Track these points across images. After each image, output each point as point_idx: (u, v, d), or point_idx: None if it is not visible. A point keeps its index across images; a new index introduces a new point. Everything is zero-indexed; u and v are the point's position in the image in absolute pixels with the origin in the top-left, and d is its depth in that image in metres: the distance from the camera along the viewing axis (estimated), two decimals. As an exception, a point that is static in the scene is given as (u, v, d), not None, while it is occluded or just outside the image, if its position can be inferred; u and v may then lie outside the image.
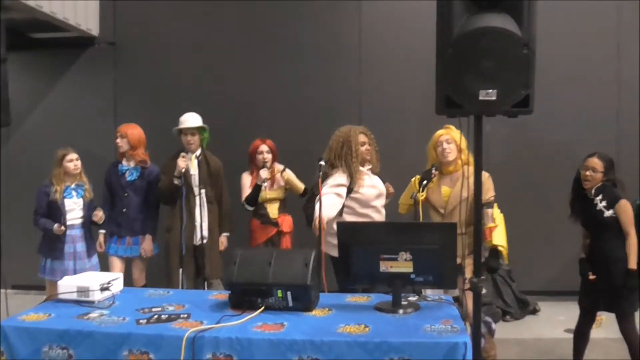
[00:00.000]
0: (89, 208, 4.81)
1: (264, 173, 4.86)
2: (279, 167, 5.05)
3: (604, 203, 3.91)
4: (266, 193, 4.93)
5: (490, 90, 2.40)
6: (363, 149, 4.29)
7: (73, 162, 4.75)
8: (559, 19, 6.12)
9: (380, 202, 4.32)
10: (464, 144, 3.94)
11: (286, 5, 6.50)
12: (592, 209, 3.96)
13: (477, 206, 2.75)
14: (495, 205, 4.09)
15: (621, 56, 6.26)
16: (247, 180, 5.03)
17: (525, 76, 2.40)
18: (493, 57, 2.37)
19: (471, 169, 2.87)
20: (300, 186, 5.04)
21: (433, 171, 4.08)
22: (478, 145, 2.64)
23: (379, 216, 4.29)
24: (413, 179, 4.16)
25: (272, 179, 4.99)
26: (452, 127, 4.09)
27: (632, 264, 3.83)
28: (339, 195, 4.10)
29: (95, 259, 4.90)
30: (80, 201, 4.77)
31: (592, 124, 6.21)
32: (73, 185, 4.77)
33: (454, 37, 2.40)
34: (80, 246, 4.76)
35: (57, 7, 5.85)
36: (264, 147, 4.97)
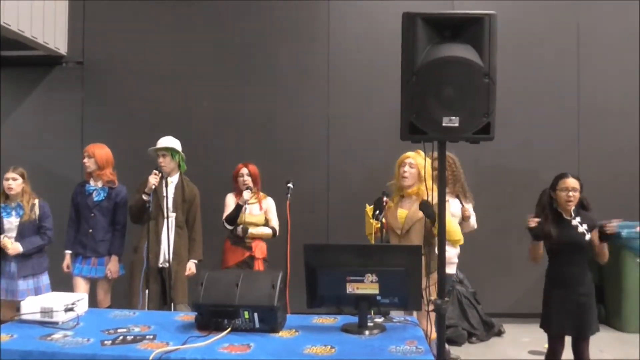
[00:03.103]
0: (29, 229, 4.73)
1: (247, 195, 4.90)
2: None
3: (585, 226, 3.90)
4: (246, 216, 4.96)
5: (453, 117, 2.49)
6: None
7: (8, 181, 4.70)
8: (518, 47, 6.33)
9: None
10: (428, 173, 3.94)
11: (256, 30, 6.59)
12: (572, 231, 3.93)
13: (442, 229, 2.81)
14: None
15: (580, 81, 6.48)
16: (230, 201, 5.07)
17: (486, 104, 2.50)
18: (455, 85, 2.47)
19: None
20: (268, 232, 5.05)
21: (384, 199, 4.14)
22: (441, 169, 2.72)
23: None
24: (366, 210, 4.22)
25: (259, 204, 5.07)
26: (421, 153, 4.11)
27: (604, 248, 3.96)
28: None
29: (33, 282, 4.75)
30: (17, 221, 4.71)
31: (554, 150, 6.39)
32: (13, 204, 4.73)
33: (417, 66, 2.50)
34: (13, 267, 4.68)
35: (25, 25, 5.83)
36: (244, 170, 5.04)
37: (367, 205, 4.26)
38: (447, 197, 4.40)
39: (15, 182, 4.71)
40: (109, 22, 6.68)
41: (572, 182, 3.96)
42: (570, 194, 3.94)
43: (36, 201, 4.79)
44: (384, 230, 4.19)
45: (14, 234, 4.70)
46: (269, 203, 5.14)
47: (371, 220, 4.13)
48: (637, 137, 6.41)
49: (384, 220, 4.12)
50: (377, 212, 4.10)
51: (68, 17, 6.70)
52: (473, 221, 4.73)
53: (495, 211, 6.34)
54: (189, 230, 4.93)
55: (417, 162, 4.14)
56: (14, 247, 4.62)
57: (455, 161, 4.74)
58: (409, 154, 4.21)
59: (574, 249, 3.94)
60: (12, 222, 4.71)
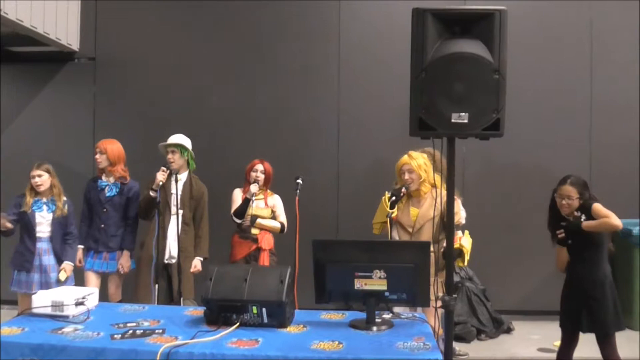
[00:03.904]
0: (60, 224, 4.76)
1: (254, 188, 4.97)
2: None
3: (584, 217, 3.87)
4: (253, 209, 4.99)
5: (462, 114, 2.48)
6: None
7: (35, 178, 4.71)
8: (531, 43, 6.29)
9: None
10: (429, 168, 4.18)
11: (267, 26, 6.58)
12: (576, 232, 3.91)
13: (450, 226, 2.81)
14: (467, 232, 4.24)
15: (593, 77, 6.42)
16: (238, 196, 5.12)
17: (495, 100, 2.49)
18: (465, 81, 2.46)
19: (441, 190, 2.96)
20: (277, 225, 5.09)
21: (403, 190, 4.23)
22: (451, 165, 2.71)
23: None
24: (383, 197, 4.26)
25: (265, 200, 5.10)
26: (413, 155, 4.30)
27: (586, 223, 3.81)
28: None
29: (52, 276, 4.78)
30: (50, 216, 4.73)
31: (565, 146, 6.35)
32: (44, 200, 4.75)
33: (427, 62, 2.48)
34: (47, 259, 4.72)
35: (38, 21, 5.86)
36: (259, 167, 5.09)
37: (386, 192, 4.29)
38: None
39: (41, 179, 4.72)
40: (121, 18, 6.69)
41: (566, 190, 3.94)
42: (564, 202, 3.95)
43: (64, 198, 4.81)
44: (390, 226, 4.24)
45: (46, 227, 4.73)
46: (276, 200, 5.18)
47: (387, 208, 4.16)
48: (649, 134, 6.36)
49: (393, 214, 4.16)
50: (394, 198, 4.16)
51: (80, 13, 6.71)
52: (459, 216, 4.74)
53: (506, 208, 6.32)
54: (195, 227, 4.97)
55: (413, 165, 4.24)
56: (68, 273, 4.76)
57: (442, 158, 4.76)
58: (404, 159, 4.32)
59: (581, 244, 3.92)
60: (44, 216, 4.72)
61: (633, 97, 6.37)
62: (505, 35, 2.48)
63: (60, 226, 4.78)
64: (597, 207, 3.86)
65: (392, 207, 4.18)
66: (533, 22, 6.34)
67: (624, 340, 5.42)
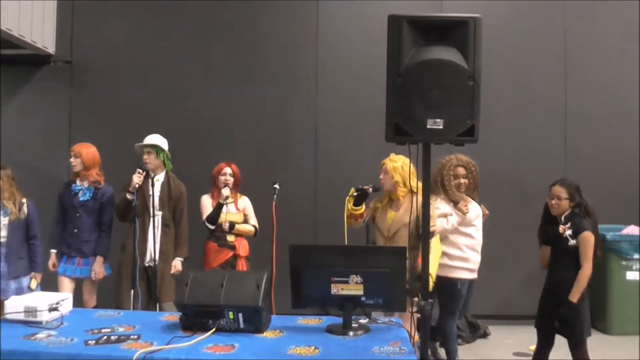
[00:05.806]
0: (20, 228, 4.62)
1: (225, 191, 4.93)
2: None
3: (569, 232, 3.98)
4: (226, 215, 4.95)
5: (438, 120, 2.50)
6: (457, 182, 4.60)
7: None
8: (505, 51, 6.37)
9: (479, 222, 4.64)
10: (405, 173, 4.17)
11: (245, 30, 6.58)
12: (555, 235, 4.05)
13: (425, 232, 2.83)
14: (437, 236, 4.25)
15: (567, 86, 6.52)
16: (207, 202, 5.07)
17: (470, 106, 2.52)
18: (440, 87, 2.49)
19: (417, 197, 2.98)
20: (251, 229, 5.09)
21: (366, 187, 4.24)
22: (426, 172, 2.73)
23: (479, 233, 4.63)
24: (350, 192, 4.28)
25: (235, 204, 5.08)
26: (393, 157, 4.33)
27: (574, 296, 3.89)
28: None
29: (24, 281, 4.67)
30: (6, 220, 4.60)
31: (540, 154, 6.43)
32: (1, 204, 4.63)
33: (403, 68, 2.51)
34: (3, 266, 4.59)
35: (13, 24, 5.79)
36: (227, 170, 5.05)
37: (352, 189, 4.31)
38: (439, 202, 4.51)
39: None
40: (98, 21, 6.64)
41: (555, 190, 4.10)
42: (553, 201, 4.09)
43: (24, 200, 4.69)
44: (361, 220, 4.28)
45: (4, 233, 4.59)
46: (246, 202, 5.16)
47: (348, 204, 4.21)
48: (622, 142, 6.46)
49: (358, 212, 4.19)
50: (357, 194, 4.20)
51: (56, 16, 6.65)
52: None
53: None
54: (175, 227, 4.93)
55: (389, 167, 4.28)
56: (37, 281, 4.64)
57: (476, 168, 4.82)
58: (385, 160, 4.36)
59: (560, 252, 4.05)
60: (2, 221, 4.60)
61: (607, 106, 6.48)
62: (480, 42, 2.52)
63: (20, 230, 4.65)
64: (586, 240, 3.95)
65: (357, 204, 4.20)
66: (508, 30, 6.43)
67: (597, 344, 5.52)
